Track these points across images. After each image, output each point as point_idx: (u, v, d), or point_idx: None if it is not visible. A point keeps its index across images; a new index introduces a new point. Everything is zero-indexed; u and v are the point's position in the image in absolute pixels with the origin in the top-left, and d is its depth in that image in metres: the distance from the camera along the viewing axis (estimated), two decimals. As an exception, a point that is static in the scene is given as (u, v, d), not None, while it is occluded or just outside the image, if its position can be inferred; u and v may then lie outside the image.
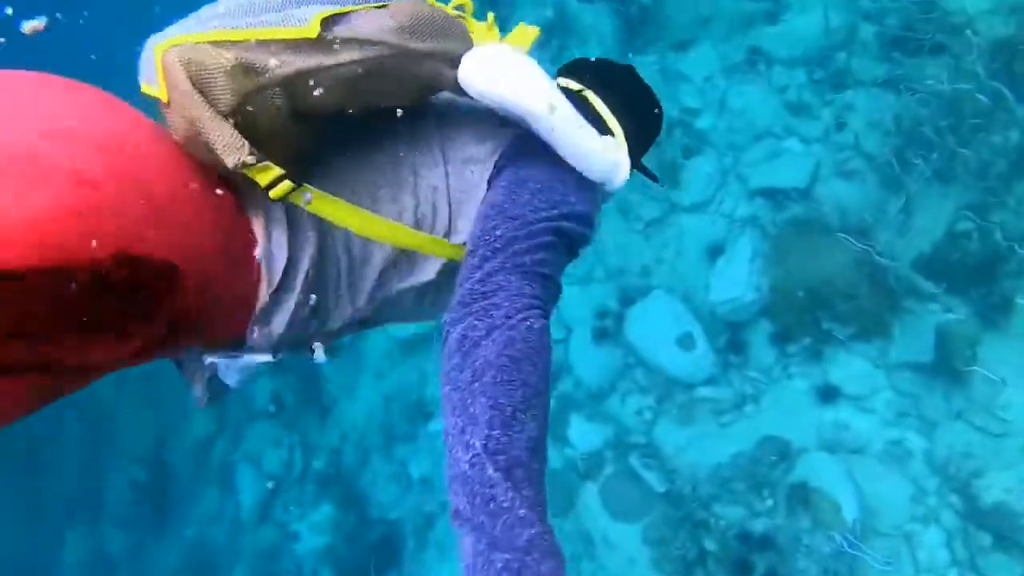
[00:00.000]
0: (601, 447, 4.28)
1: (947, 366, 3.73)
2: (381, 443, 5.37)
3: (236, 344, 0.97)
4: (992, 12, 3.86)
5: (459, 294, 0.85)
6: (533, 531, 0.65)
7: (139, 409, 6.81)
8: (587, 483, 4.20)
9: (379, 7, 0.92)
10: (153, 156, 0.83)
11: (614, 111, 1.15)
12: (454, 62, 0.96)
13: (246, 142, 0.86)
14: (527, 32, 1.04)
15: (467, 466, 0.69)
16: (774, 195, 4.29)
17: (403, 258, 1.01)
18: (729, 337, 4.21)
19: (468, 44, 0.98)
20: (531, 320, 0.80)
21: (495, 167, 1.01)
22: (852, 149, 4.20)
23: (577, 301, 4.69)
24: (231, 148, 0.85)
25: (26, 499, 7.34)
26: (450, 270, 1.02)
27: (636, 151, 1.20)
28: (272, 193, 0.90)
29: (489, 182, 1.00)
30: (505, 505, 0.66)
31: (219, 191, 0.91)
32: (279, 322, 0.95)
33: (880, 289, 3.92)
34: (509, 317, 0.79)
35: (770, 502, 3.90)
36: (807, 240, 4.10)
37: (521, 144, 1.02)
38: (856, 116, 4.19)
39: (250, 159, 0.86)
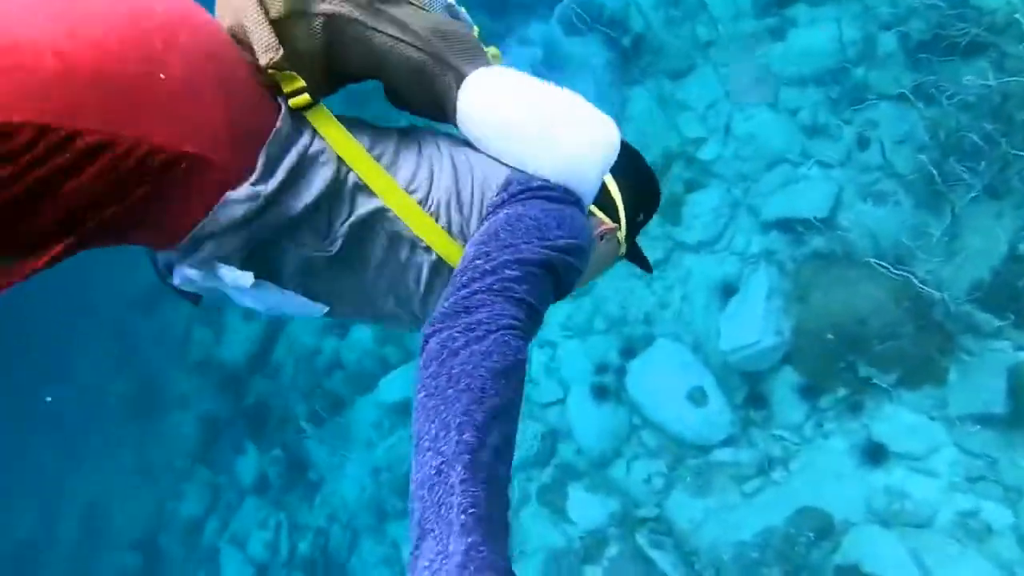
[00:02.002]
0: (604, 523, 3.63)
1: (1026, 417, 3.03)
2: (372, 522, 4.81)
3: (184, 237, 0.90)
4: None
5: (442, 307, 0.84)
6: (469, 540, 0.63)
7: (133, 484, 6.47)
8: (587, 567, 3.54)
9: (430, 13, 1.04)
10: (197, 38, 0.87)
11: (615, 179, 1.21)
12: (460, 83, 1.05)
13: (282, 47, 0.93)
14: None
15: (433, 472, 0.68)
16: (791, 227, 3.75)
17: (389, 220, 1.00)
18: (748, 390, 3.59)
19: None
20: (508, 338, 0.80)
21: (499, 192, 1.03)
22: (879, 170, 3.66)
23: (574, 356, 4.17)
24: (269, 47, 0.92)
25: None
26: (429, 273, 1.03)
27: (631, 226, 1.25)
28: (292, 102, 0.96)
29: (490, 209, 1.02)
30: (454, 513, 0.65)
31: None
32: (241, 216, 0.89)
33: (927, 325, 3.29)
34: (489, 332, 0.79)
35: (812, 591, 3.18)
36: (833, 273, 3.52)
37: (524, 176, 1.06)
38: (881, 132, 3.67)
39: (283, 61, 0.93)
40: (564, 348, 4.38)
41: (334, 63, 1.01)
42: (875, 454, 3.29)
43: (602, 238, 1.20)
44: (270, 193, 0.90)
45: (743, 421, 3.56)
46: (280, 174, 0.91)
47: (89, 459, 6.92)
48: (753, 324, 3.51)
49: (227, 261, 0.93)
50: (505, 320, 0.82)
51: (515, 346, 0.80)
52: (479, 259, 0.89)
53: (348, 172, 0.98)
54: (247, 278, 0.93)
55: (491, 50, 1.12)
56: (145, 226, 0.87)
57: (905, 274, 3.23)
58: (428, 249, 1.01)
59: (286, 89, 0.96)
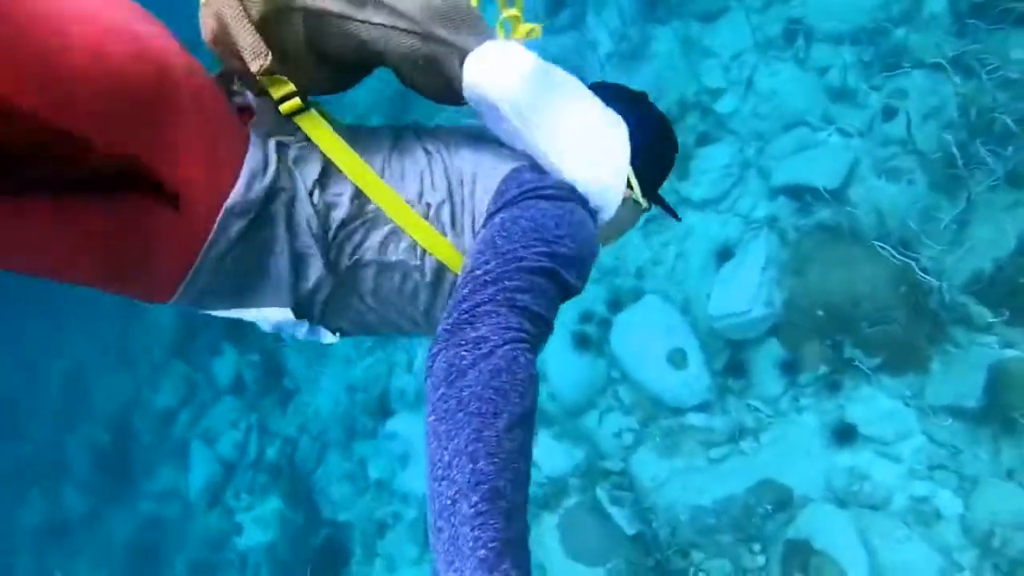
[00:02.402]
0: (567, 472, 3.66)
1: (999, 415, 3.01)
2: (340, 437, 4.87)
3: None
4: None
5: (445, 324, 0.82)
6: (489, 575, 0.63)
7: (114, 369, 6.53)
8: (544, 513, 3.59)
9: None
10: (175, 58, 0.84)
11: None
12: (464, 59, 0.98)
13: (270, 51, 0.91)
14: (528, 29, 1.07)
15: (449, 502, 0.67)
16: (800, 194, 3.59)
17: (385, 226, 0.99)
18: (729, 357, 3.54)
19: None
20: (516, 353, 0.77)
21: (495, 196, 0.99)
22: (900, 144, 3.47)
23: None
24: (256, 53, 0.91)
25: (-5, 457, 7.18)
26: (432, 279, 1.01)
27: (649, 183, 1.20)
28: (283, 108, 0.95)
29: (486, 216, 0.99)
30: (470, 545, 0.64)
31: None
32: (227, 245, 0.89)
33: (920, 313, 3.21)
34: (496, 348, 0.77)
35: (761, 559, 3.24)
36: (834, 249, 3.40)
37: (520, 176, 1.01)
38: (910, 103, 3.46)
39: (273, 66, 0.91)
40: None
41: (326, 57, 0.98)
42: (845, 435, 3.28)
43: None
44: (256, 210, 0.90)
45: (720, 388, 3.53)
46: (259, 192, 0.90)
47: (73, 330, 6.95)
48: (745, 292, 3.41)
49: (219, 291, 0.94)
50: (511, 333, 0.79)
51: (524, 361, 0.77)
52: (478, 270, 0.86)
53: (341, 183, 0.98)
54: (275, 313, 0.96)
55: (531, 27, 1.06)
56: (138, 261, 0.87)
57: (907, 260, 3.12)
58: (427, 254, 0.99)
59: (276, 95, 0.94)
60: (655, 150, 1.21)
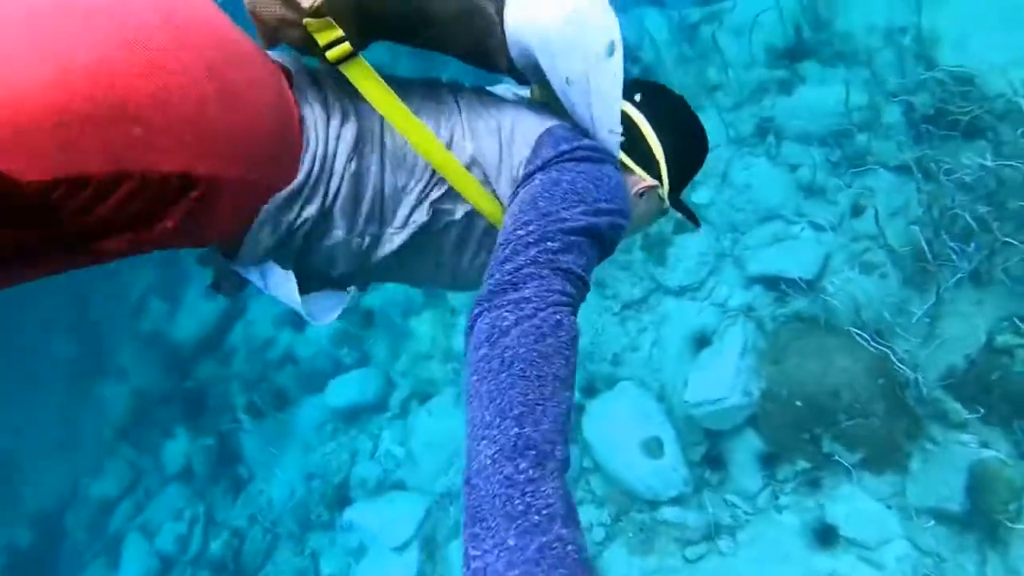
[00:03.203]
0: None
1: (983, 519, 2.88)
2: (294, 530, 4.52)
3: (241, 236, 0.92)
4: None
5: (488, 284, 0.82)
6: (544, 539, 0.60)
7: (52, 451, 6.09)
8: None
9: None
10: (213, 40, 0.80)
11: (657, 133, 1.14)
12: (502, 10, 0.99)
13: None
14: None
15: (489, 462, 0.66)
16: (776, 284, 3.60)
17: (438, 181, 0.99)
18: (707, 449, 3.41)
19: None
20: (560, 315, 0.78)
21: (532, 157, 1.00)
22: (871, 239, 3.54)
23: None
24: None
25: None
26: (478, 226, 1.03)
27: (674, 183, 1.18)
28: (330, 54, 0.93)
29: (524, 177, 0.99)
30: (520, 508, 0.62)
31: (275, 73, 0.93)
32: (297, 216, 0.92)
33: (899, 407, 3.14)
34: (539, 310, 0.77)
35: (742, 673, 2.97)
36: (811, 339, 3.37)
37: (556, 139, 1.01)
38: (878, 201, 3.56)
39: (323, 6, 0.88)
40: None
41: (367, 16, 0.96)
42: (826, 536, 3.12)
43: (642, 195, 1.16)
44: (314, 182, 0.91)
45: (697, 481, 3.38)
46: (321, 163, 0.92)
47: (11, 418, 6.53)
48: (723, 380, 3.33)
49: (279, 258, 0.95)
50: (554, 296, 0.79)
51: (567, 324, 0.77)
52: (520, 230, 0.86)
53: (388, 131, 0.98)
54: (290, 280, 0.95)
55: None
56: (194, 238, 0.86)
57: (884, 348, 3.09)
58: (467, 203, 1.00)
59: (323, 41, 0.92)
60: (687, 149, 1.20)
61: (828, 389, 3.21)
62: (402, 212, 0.99)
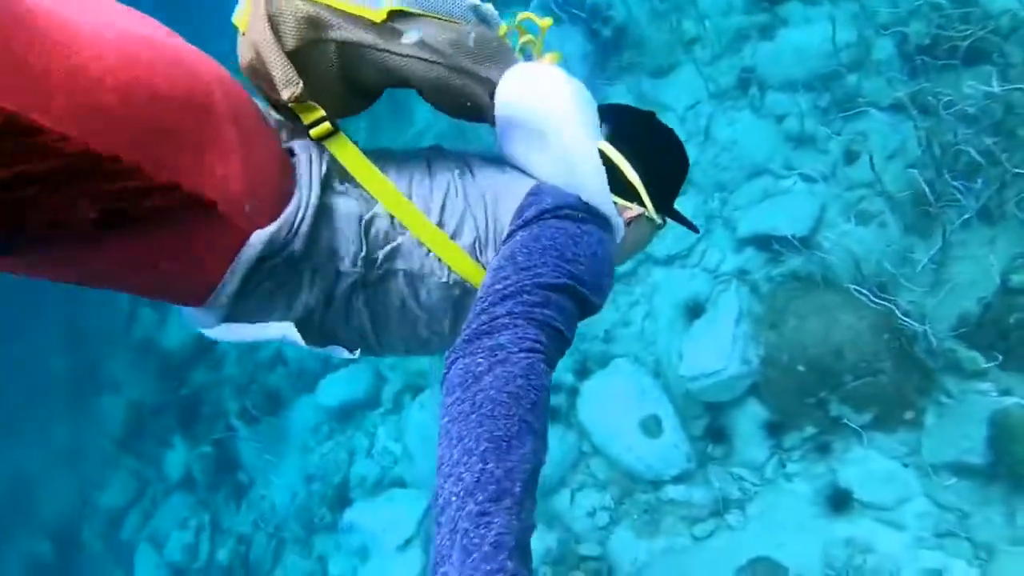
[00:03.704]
0: (539, 560, 3.28)
1: (1008, 471, 2.72)
2: (299, 533, 4.44)
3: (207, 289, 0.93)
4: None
5: (464, 332, 0.84)
6: (488, 567, 0.63)
7: (59, 466, 6.05)
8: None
9: (452, 22, 0.99)
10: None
11: (633, 161, 1.14)
12: (492, 90, 1.03)
13: (301, 81, 0.94)
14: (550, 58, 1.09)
15: (454, 499, 0.68)
16: (768, 244, 3.41)
17: (413, 245, 1.01)
18: (708, 422, 3.26)
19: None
20: (532, 360, 0.79)
21: (516, 215, 1.02)
22: (866, 186, 3.33)
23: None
24: (288, 82, 0.94)
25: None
26: (458, 294, 1.03)
27: (664, 199, 1.20)
28: (313, 132, 0.99)
29: (508, 235, 1.01)
30: (476, 542, 0.64)
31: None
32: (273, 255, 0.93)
33: (907, 362, 2.96)
34: (512, 355, 0.78)
35: (760, 652, 2.85)
36: (809, 299, 3.18)
37: (540, 196, 1.03)
38: (872, 144, 3.34)
39: (303, 94, 0.95)
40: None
41: (355, 85, 1.03)
42: (840, 502, 2.97)
43: (629, 223, 1.15)
44: (293, 236, 0.92)
45: (700, 456, 3.23)
46: (304, 217, 0.93)
47: (22, 433, 6.50)
48: (719, 350, 3.16)
49: (263, 308, 0.96)
50: (527, 343, 0.80)
51: (539, 369, 0.78)
52: (497, 284, 0.88)
53: (370, 203, 1.00)
54: (288, 329, 0.95)
55: (551, 55, 1.09)
56: (173, 273, 0.89)
57: (887, 304, 2.89)
58: (452, 272, 1.01)
59: (306, 120, 0.98)
60: (664, 166, 1.21)
61: (831, 350, 3.03)
62: (379, 269, 1.01)
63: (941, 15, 3.18)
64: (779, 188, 3.56)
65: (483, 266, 1.02)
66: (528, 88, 1.01)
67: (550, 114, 1.01)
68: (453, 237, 1.01)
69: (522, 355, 0.78)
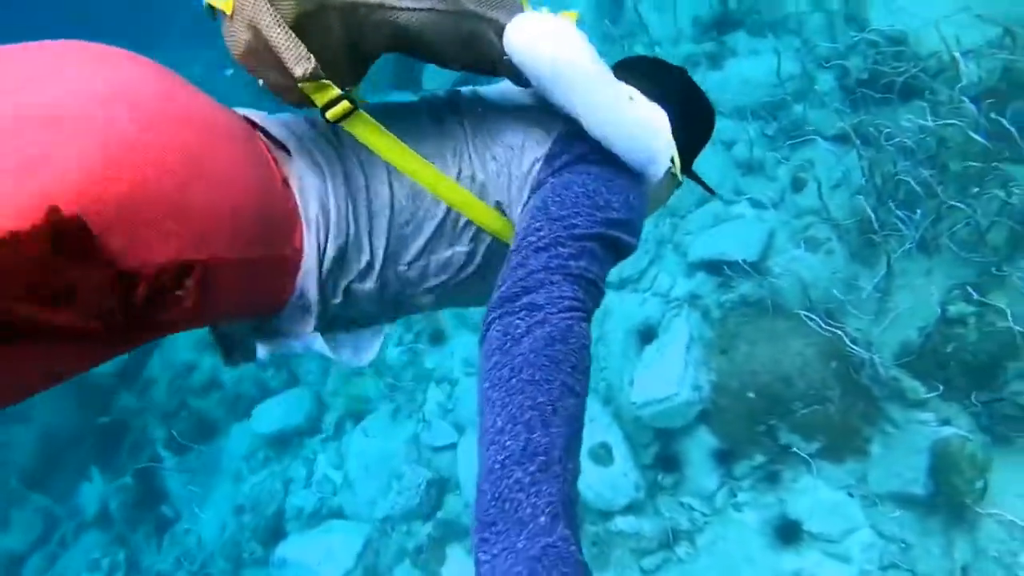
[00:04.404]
0: (484, 597, 3.12)
1: (948, 500, 2.73)
2: (227, 568, 4.15)
3: (272, 312, 0.94)
4: (978, 54, 3.14)
5: (500, 291, 0.81)
6: (549, 539, 0.62)
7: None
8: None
9: None
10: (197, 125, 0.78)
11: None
12: (501, 32, 0.94)
13: (312, 55, 0.85)
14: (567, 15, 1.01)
15: (499, 467, 0.66)
16: (719, 269, 3.40)
17: (450, 218, 0.99)
18: (659, 450, 3.18)
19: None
20: (572, 321, 0.77)
21: (544, 163, 0.99)
22: (814, 214, 3.36)
23: (473, 396, 3.68)
24: (300, 58, 0.84)
25: None
26: (494, 250, 1.02)
27: (686, 156, 1.16)
28: (329, 114, 0.90)
29: (536, 184, 0.98)
30: (528, 512, 0.63)
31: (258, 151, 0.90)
32: (314, 288, 0.92)
33: (854, 390, 2.96)
34: (550, 315, 0.76)
35: None
36: (760, 325, 3.17)
37: (568, 142, 1.00)
38: (818, 172, 3.38)
39: (318, 70, 0.85)
40: (463, 386, 3.90)
41: (358, 53, 0.95)
42: (788, 533, 2.92)
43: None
44: (335, 253, 0.92)
45: (650, 485, 3.15)
46: (332, 230, 0.92)
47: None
48: (670, 376, 3.11)
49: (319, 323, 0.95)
50: (566, 301, 0.78)
51: (578, 330, 0.77)
52: (531, 236, 0.86)
53: (397, 185, 0.97)
54: (319, 342, 0.95)
55: (567, 13, 1.00)
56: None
57: (835, 330, 2.90)
58: (484, 231, 0.99)
59: (320, 102, 0.89)
60: (693, 122, 1.18)
61: (781, 377, 3.01)
62: (416, 247, 0.98)
63: (877, 51, 3.27)
64: (729, 213, 3.56)
65: (512, 221, 1.00)
66: (545, 36, 0.93)
67: (572, 65, 0.93)
68: (482, 197, 0.99)
69: (561, 315, 0.76)
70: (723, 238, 3.46)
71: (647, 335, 3.35)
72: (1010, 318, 2.67)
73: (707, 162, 3.66)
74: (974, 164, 2.98)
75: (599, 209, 0.89)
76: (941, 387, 2.84)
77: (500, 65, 0.98)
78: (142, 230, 0.69)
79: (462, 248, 1.00)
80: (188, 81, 0.85)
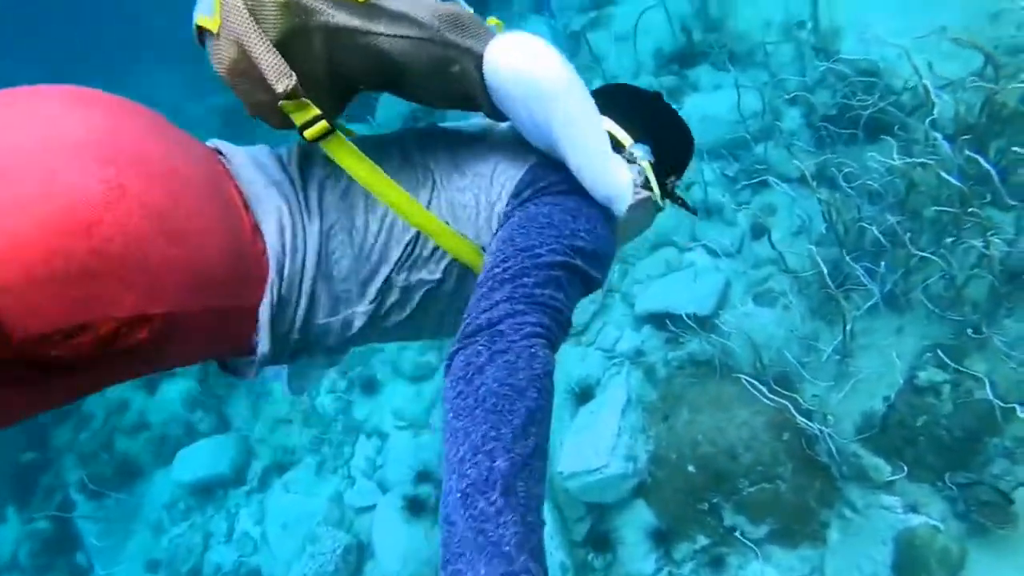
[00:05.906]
0: None
1: (915, 599, 2.35)
2: (136, 634, 3.81)
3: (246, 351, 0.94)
4: (956, 85, 2.84)
5: (465, 323, 0.81)
6: (510, 568, 0.61)
7: None
8: None
9: None
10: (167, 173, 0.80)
11: (636, 138, 1.14)
12: (478, 62, 0.97)
13: (294, 72, 0.88)
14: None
15: (461, 496, 0.65)
16: (667, 324, 3.07)
17: (419, 243, 1.00)
18: (590, 527, 2.83)
19: None
20: (534, 348, 0.76)
21: (513, 195, 1.00)
22: (772, 264, 3.04)
23: (401, 454, 3.37)
24: (281, 74, 0.87)
25: None
26: (463, 279, 1.03)
27: (668, 180, 1.18)
28: (307, 133, 0.93)
29: (505, 215, 0.99)
30: (493, 540, 0.62)
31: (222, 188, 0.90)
32: (284, 317, 0.94)
33: (808, 467, 2.61)
34: (513, 343, 0.75)
35: None
36: (705, 389, 2.83)
37: (538, 173, 1.02)
38: (779, 219, 3.07)
39: (298, 88, 0.88)
40: (393, 442, 3.57)
41: (340, 78, 0.97)
42: (733, 630, 2.55)
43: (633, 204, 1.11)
44: (302, 297, 0.93)
45: (579, 566, 2.79)
46: (305, 261, 0.93)
47: None
48: (602, 444, 2.77)
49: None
50: (528, 328, 0.77)
51: (541, 356, 0.75)
52: (497, 267, 0.85)
53: (370, 210, 0.98)
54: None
55: (492, 20, 1.02)
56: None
57: (783, 401, 2.55)
58: (455, 262, 1.00)
59: (299, 121, 0.92)
60: (673, 147, 1.19)
61: (724, 449, 2.66)
62: (382, 275, 0.98)
63: (846, 84, 2.97)
64: (683, 261, 3.25)
65: (482, 249, 1.00)
66: (527, 54, 0.93)
67: (555, 81, 0.93)
68: (452, 225, 0.99)
69: (523, 342, 0.75)
70: (674, 289, 3.15)
71: (584, 395, 3.02)
72: (988, 388, 2.32)
73: (661, 204, 3.37)
74: (948, 210, 2.65)
75: (565, 238, 0.88)
76: (906, 468, 2.48)
77: (479, 97, 0.98)
78: (102, 283, 0.70)
79: (432, 276, 1.00)
80: (166, 119, 0.85)
